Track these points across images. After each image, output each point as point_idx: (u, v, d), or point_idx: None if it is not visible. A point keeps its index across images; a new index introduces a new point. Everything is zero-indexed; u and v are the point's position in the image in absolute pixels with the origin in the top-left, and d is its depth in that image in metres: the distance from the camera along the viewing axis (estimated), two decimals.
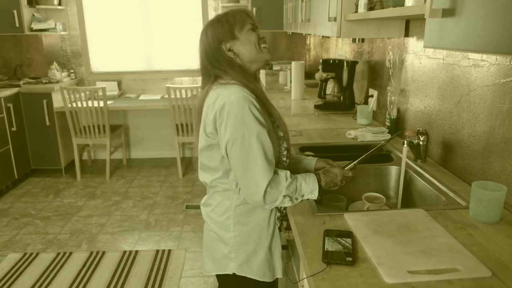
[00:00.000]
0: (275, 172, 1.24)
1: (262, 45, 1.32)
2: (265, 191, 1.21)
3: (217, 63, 1.30)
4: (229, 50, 1.30)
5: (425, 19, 0.97)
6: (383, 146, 1.64)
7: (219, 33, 1.29)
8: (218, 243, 1.37)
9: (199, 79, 4.90)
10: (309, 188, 1.27)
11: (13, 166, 3.99)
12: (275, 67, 4.12)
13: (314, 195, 1.28)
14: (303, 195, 1.27)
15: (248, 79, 1.28)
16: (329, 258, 0.99)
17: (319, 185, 1.29)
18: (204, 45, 1.33)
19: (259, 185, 1.20)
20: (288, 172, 1.27)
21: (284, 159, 1.37)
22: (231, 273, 1.35)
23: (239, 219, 1.32)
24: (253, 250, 1.34)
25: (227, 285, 1.43)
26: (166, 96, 4.41)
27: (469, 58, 1.48)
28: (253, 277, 1.34)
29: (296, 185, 1.26)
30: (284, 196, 1.24)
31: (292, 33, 4.14)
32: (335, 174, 1.32)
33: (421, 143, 1.70)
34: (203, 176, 1.38)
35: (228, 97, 1.21)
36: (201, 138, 1.30)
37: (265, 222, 1.34)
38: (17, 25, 4.08)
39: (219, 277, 1.43)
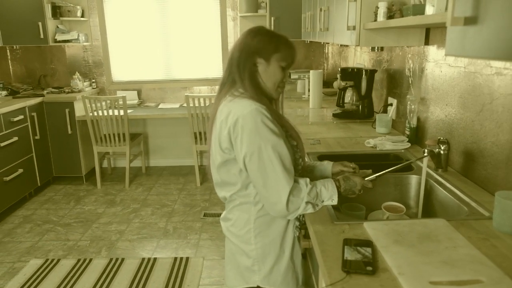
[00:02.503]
0: (295, 180, 1.24)
1: (280, 87, 1.35)
2: (288, 200, 1.20)
3: (242, 67, 1.30)
4: (255, 65, 1.30)
5: (446, 27, 0.97)
6: (410, 163, 1.63)
7: (263, 46, 1.29)
8: (241, 257, 1.37)
9: (217, 88, 4.93)
10: (328, 193, 1.26)
11: (36, 173, 4.09)
12: (293, 76, 4.12)
13: (334, 200, 1.27)
14: (323, 201, 1.26)
15: (259, 95, 1.28)
16: (348, 267, 0.99)
17: (338, 191, 1.28)
18: (244, 44, 1.30)
19: (280, 195, 1.20)
20: (307, 179, 1.26)
21: (299, 167, 1.37)
22: (255, 285, 1.35)
23: (260, 231, 1.33)
24: (275, 261, 1.34)
25: None
26: (185, 104, 4.46)
27: (491, 66, 1.46)
28: None
29: (316, 191, 1.25)
30: (306, 203, 1.23)
31: (310, 41, 4.15)
32: (355, 183, 1.31)
33: (442, 152, 1.67)
34: (222, 192, 1.39)
35: (240, 111, 1.22)
36: (217, 155, 1.30)
37: (284, 232, 1.35)
38: (42, 36, 4.20)
39: None
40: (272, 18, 4.21)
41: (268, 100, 1.33)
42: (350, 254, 1.04)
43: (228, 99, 1.28)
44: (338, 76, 2.77)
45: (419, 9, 1.48)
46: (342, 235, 1.17)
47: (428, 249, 1.06)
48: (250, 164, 1.22)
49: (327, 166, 1.50)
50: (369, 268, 0.98)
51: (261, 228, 1.33)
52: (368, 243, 1.10)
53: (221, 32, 4.72)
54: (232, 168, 1.29)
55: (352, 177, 1.33)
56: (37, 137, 4.09)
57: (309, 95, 3.36)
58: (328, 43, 4.61)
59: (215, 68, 4.84)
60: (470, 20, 0.88)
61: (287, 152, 1.23)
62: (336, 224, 1.24)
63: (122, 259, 2.91)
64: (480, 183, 1.55)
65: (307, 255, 1.54)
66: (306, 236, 1.41)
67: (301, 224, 1.39)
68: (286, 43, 1.31)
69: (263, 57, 1.29)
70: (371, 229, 1.19)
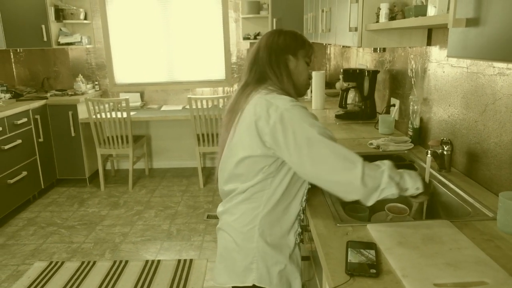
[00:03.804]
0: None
1: (308, 84, 1.41)
2: (363, 173, 1.13)
3: (276, 65, 1.33)
4: (286, 62, 1.35)
5: (448, 28, 0.97)
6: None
7: (291, 43, 1.35)
8: (238, 254, 1.35)
9: (219, 90, 4.96)
10: (412, 180, 1.20)
11: (40, 176, 4.10)
12: None
13: (419, 188, 1.20)
14: (407, 189, 1.20)
15: (293, 93, 1.33)
16: (352, 270, 0.99)
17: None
18: (271, 43, 1.35)
19: (355, 169, 1.14)
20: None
21: None
22: (250, 284, 1.34)
23: (263, 230, 1.32)
24: (274, 262, 1.33)
25: None
26: (188, 106, 4.47)
27: (494, 67, 1.46)
28: None
29: (399, 173, 1.19)
30: (389, 177, 1.15)
31: (312, 42, 4.16)
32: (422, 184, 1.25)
33: (445, 152, 1.67)
34: (232, 184, 1.35)
35: (283, 105, 1.22)
36: (254, 147, 1.25)
37: (287, 234, 1.34)
38: (45, 39, 4.22)
39: None
40: (274, 20, 4.21)
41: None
42: (354, 257, 1.04)
43: (264, 92, 1.28)
44: (341, 77, 2.77)
45: (421, 10, 1.48)
46: (345, 237, 1.17)
47: (432, 251, 1.06)
48: (308, 155, 1.16)
49: None
50: (373, 271, 0.98)
51: (266, 227, 1.32)
52: (371, 245, 1.10)
53: (223, 34, 4.73)
54: (261, 162, 1.26)
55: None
56: (41, 139, 4.11)
57: (311, 96, 3.36)
58: (330, 44, 4.61)
59: (218, 70, 4.85)
60: (472, 22, 0.88)
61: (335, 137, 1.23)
62: (339, 227, 1.24)
63: (126, 262, 2.92)
64: (483, 183, 1.54)
65: (311, 257, 1.53)
66: (310, 239, 1.41)
67: (302, 232, 1.39)
68: (307, 40, 1.40)
69: (292, 53, 1.35)
70: (374, 231, 1.19)
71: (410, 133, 2.14)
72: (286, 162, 1.24)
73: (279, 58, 1.33)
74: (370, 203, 1.19)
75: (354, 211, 1.54)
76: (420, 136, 2.11)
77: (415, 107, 2.08)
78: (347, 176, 1.15)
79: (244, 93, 1.34)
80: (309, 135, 1.17)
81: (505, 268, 0.98)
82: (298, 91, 1.37)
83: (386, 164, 1.19)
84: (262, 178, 1.28)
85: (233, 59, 4.80)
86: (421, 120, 2.11)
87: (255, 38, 4.55)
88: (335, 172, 1.16)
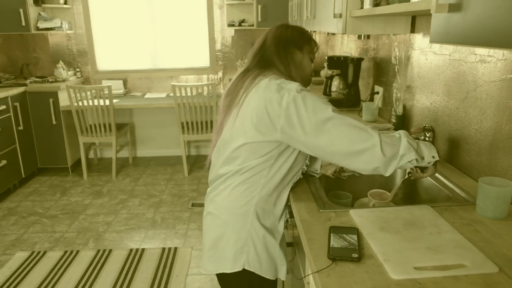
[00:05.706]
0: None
1: (310, 80, 1.44)
2: (381, 141, 1.16)
3: (284, 55, 1.36)
4: (292, 54, 1.38)
5: (431, 14, 0.97)
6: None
7: (298, 37, 1.40)
8: (229, 238, 1.33)
9: (204, 77, 4.91)
10: (427, 148, 1.22)
11: (20, 165, 4.02)
12: None
13: (435, 157, 1.23)
14: (423, 157, 1.21)
15: (301, 82, 1.34)
16: (334, 255, 0.99)
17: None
18: (279, 34, 1.39)
19: (372, 138, 1.17)
20: None
21: (307, 162, 1.40)
22: (240, 269, 1.33)
23: (257, 213, 1.31)
24: (266, 246, 1.33)
25: (234, 284, 1.40)
26: (172, 94, 4.42)
27: (475, 54, 1.47)
28: (260, 274, 1.33)
29: (415, 141, 1.21)
30: (408, 143, 1.18)
31: None
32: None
33: (427, 139, 1.69)
34: (229, 166, 1.33)
35: (295, 88, 1.23)
36: (258, 130, 1.24)
37: (278, 221, 1.35)
38: (23, 24, 4.11)
39: (225, 276, 1.39)
40: (259, 6, 4.18)
41: None
42: (336, 242, 1.05)
43: (272, 77, 1.29)
44: (325, 64, 2.77)
45: None
46: (328, 223, 1.18)
47: (413, 235, 1.08)
48: (328, 128, 1.18)
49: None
50: (355, 255, 0.99)
51: (260, 210, 1.31)
52: (354, 230, 1.11)
53: (207, 20, 4.67)
54: (265, 147, 1.26)
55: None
56: (21, 127, 4.02)
57: None
58: (315, 31, 4.60)
59: (202, 57, 4.80)
60: (454, 7, 0.88)
61: None
62: (322, 212, 1.25)
63: (110, 250, 2.90)
64: (464, 169, 1.57)
65: (294, 243, 1.54)
66: (293, 225, 1.42)
67: (290, 218, 1.40)
68: (313, 38, 1.44)
69: (297, 47, 1.39)
70: (357, 216, 1.20)
71: (393, 120, 2.16)
72: (299, 144, 1.23)
73: (286, 50, 1.37)
74: (389, 172, 1.19)
75: (337, 197, 1.55)
76: (403, 123, 2.13)
77: (398, 95, 2.09)
78: (366, 144, 1.16)
79: (245, 77, 1.34)
80: (324, 113, 1.19)
81: (483, 251, 1.00)
82: (302, 83, 1.37)
83: (401, 132, 1.22)
84: (263, 161, 1.28)
85: (218, 46, 4.75)
86: (404, 107, 2.12)
87: (239, 25, 4.50)
88: (355, 142, 1.17)
